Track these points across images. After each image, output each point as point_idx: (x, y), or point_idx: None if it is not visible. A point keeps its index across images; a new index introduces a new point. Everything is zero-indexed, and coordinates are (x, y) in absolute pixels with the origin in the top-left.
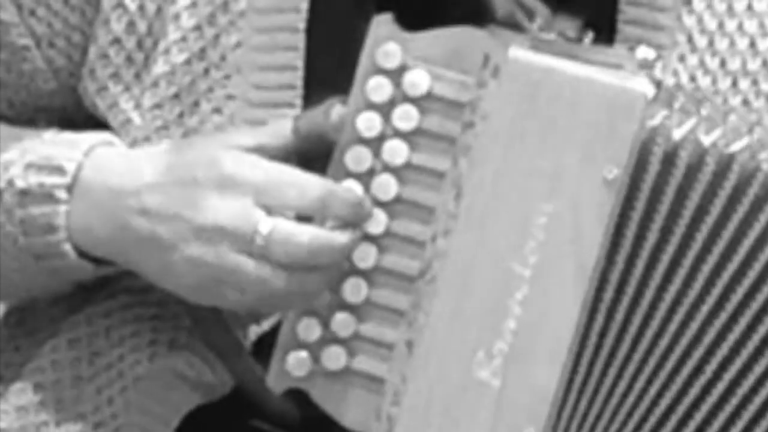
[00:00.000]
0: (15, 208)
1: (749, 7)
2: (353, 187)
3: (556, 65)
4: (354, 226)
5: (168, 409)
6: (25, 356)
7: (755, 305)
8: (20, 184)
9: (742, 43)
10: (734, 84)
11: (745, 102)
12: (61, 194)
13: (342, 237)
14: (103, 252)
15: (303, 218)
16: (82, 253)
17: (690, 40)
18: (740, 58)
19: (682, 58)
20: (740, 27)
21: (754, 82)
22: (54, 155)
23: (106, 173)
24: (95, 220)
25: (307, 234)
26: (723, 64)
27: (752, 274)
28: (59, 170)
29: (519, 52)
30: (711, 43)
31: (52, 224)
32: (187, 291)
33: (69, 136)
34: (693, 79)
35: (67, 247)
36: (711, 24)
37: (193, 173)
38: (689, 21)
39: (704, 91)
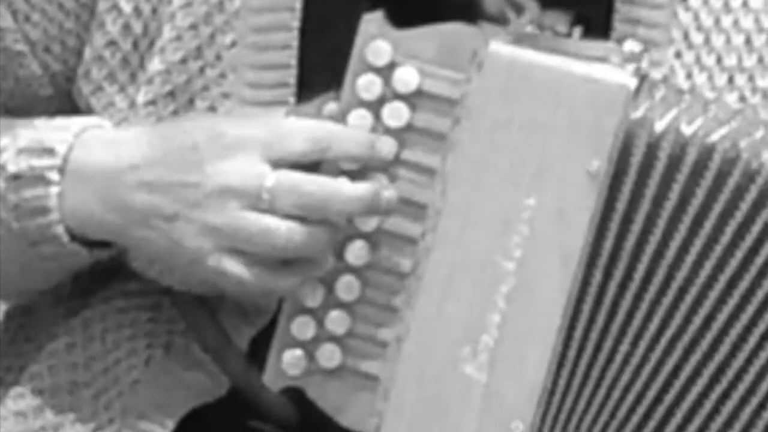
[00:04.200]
0: (8, 193)
1: (745, 4)
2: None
3: (538, 59)
4: (363, 175)
5: (165, 412)
6: (24, 361)
7: (738, 292)
8: (12, 168)
9: (738, 40)
10: (730, 80)
11: (742, 98)
12: (53, 176)
13: (349, 186)
14: (100, 233)
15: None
16: (75, 237)
17: (686, 36)
18: (736, 55)
19: (678, 55)
20: (736, 23)
21: (751, 79)
22: (45, 138)
23: (98, 153)
24: (90, 201)
25: (314, 182)
26: (719, 60)
27: (734, 262)
28: (50, 152)
29: (500, 47)
30: (707, 39)
31: (44, 206)
32: (187, 267)
33: (60, 120)
34: (689, 75)
35: (60, 230)
36: (707, 21)
37: (194, 139)
38: (685, 18)
39: (693, 86)
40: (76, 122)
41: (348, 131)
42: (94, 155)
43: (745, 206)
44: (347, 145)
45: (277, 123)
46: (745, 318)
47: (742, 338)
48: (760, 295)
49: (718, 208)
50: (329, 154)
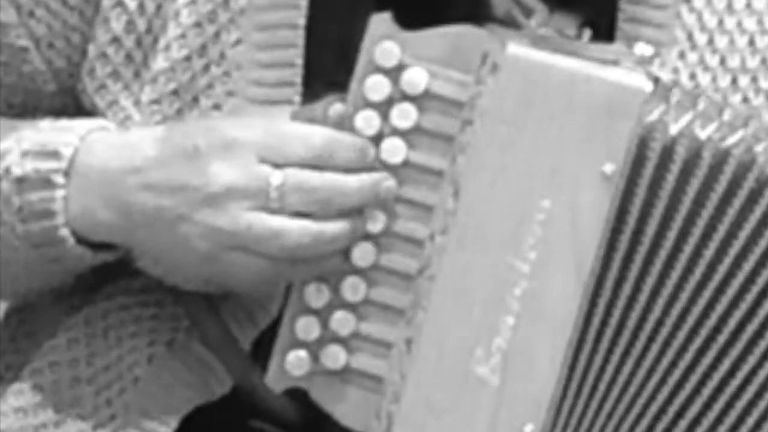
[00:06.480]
0: (12, 195)
1: (748, 5)
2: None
3: (555, 61)
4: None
5: (167, 410)
6: (25, 357)
7: (750, 297)
8: (17, 171)
9: (742, 41)
10: (734, 81)
11: (745, 99)
12: (58, 179)
13: (354, 180)
14: (105, 236)
15: None
16: (80, 240)
17: (690, 37)
18: (740, 56)
19: (682, 56)
20: (740, 24)
21: (754, 80)
22: (49, 141)
23: (103, 155)
24: (95, 204)
25: (321, 178)
26: (723, 61)
27: (747, 267)
28: (55, 155)
29: (518, 49)
30: (711, 40)
31: (49, 209)
32: (195, 267)
33: (64, 122)
34: (693, 76)
35: (65, 233)
36: (711, 21)
37: (194, 142)
38: (689, 18)
39: (702, 88)
40: (80, 124)
41: (349, 138)
42: (99, 158)
43: (760, 210)
44: (348, 154)
45: (277, 127)
46: (759, 319)
47: (753, 341)
48: None
49: (732, 212)
50: (330, 162)
